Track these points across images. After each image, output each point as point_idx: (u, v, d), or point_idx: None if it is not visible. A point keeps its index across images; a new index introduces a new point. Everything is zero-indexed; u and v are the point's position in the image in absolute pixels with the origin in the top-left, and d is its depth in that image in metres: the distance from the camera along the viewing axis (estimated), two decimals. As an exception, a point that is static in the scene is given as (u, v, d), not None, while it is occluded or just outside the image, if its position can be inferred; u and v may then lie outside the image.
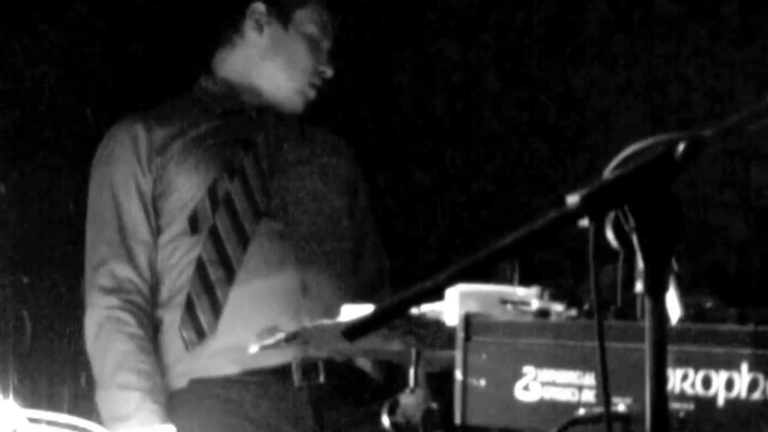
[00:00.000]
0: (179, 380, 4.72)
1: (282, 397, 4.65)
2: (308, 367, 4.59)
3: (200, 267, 4.69)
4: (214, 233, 4.69)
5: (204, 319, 4.65)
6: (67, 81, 5.43)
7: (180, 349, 4.70)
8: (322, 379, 4.61)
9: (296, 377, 4.60)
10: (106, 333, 4.66)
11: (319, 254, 4.77)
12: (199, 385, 4.69)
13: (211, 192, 4.71)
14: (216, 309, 4.67)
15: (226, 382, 4.66)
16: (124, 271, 4.71)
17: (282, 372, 4.62)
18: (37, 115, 5.37)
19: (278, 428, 4.65)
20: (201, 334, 4.64)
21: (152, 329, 4.72)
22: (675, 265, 2.62)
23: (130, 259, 4.73)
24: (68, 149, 5.36)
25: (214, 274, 4.68)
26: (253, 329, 4.47)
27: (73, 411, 4.84)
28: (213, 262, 4.69)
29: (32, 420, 4.73)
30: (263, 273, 4.69)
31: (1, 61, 5.28)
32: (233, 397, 4.66)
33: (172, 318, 4.74)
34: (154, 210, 4.75)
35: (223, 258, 4.68)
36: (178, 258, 4.75)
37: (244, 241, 4.69)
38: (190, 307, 4.67)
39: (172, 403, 4.71)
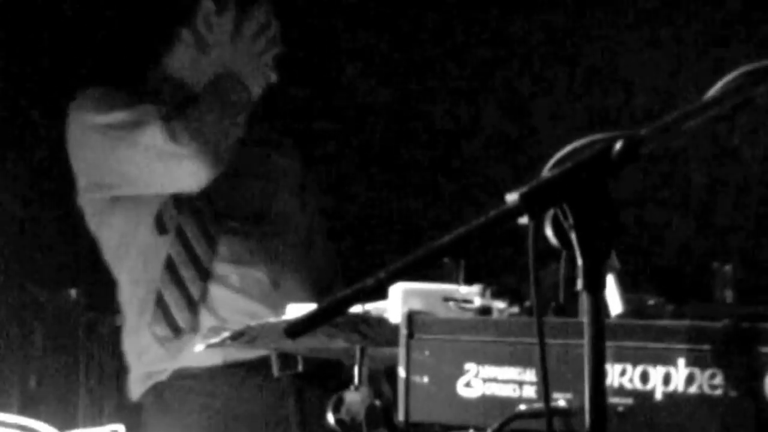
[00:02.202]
0: (159, 375, 4.75)
1: (262, 386, 4.69)
2: (287, 358, 4.61)
3: (170, 266, 4.71)
4: (180, 233, 4.72)
5: (180, 316, 4.67)
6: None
7: (154, 346, 4.72)
8: (300, 368, 4.64)
9: (275, 367, 4.63)
10: None
11: (282, 250, 4.79)
12: (180, 378, 4.72)
13: (174, 195, 4.73)
14: (192, 305, 4.69)
15: (210, 372, 4.69)
16: None
17: (262, 363, 4.65)
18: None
19: (261, 417, 4.67)
20: (177, 331, 4.66)
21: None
22: (616, 262, 2.66)
23: None
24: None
25: (186, 272, 4.70)
26: (234, 323, 4.48)
27: (23, 412, 4.89)
28: (183, 261, 4.71)
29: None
30: (234, 269, 4.72)
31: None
32: (216, 390, 4.70)
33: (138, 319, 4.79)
34: None
35: (193, 257, 4.71)
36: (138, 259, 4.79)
37: (209, 240, 4.72)
38: (160, 302, 4.69)
39: (154, 396, 4.76)
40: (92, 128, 4.74)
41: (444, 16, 6.17)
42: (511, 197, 2.32)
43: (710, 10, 5.87)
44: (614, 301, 2.74)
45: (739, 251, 5.85)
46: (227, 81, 4.74)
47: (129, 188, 4.74)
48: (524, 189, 2.32)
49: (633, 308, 2.70)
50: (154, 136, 4.61)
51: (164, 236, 4.73)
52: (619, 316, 2.68)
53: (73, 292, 5.35)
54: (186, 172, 4.62)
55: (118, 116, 4.69)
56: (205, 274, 4.70)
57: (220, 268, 4.73)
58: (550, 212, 2.33)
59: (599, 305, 2.33)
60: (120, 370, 4.90)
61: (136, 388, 4.78)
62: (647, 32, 5.99)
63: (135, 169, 4.69)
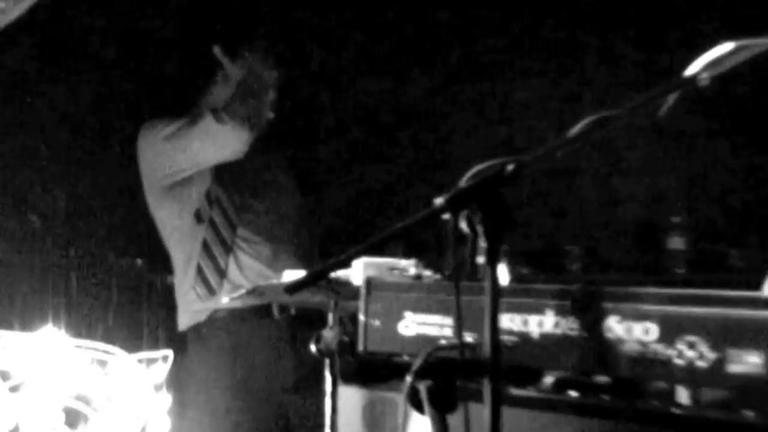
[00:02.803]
0: (199, 316, 4.71)
1: (267, 326, 4.65)
2: (283, 308, 4.60)
3: (205, 245, 4.70)
4: (212, 223, 4.70)
5: (213, 280, 4.67)
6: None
7: (196, 299, 4.71)
8: (293, 312, 4.63)
9: (275, 312, 4.61)
10: None
11: (279, 234, 4.77)
12: (213, 319, 4.69)
13: (207, 196, 4.71)
14: (221, 272, 4.68)
15: (233, 315, 4.65)
16: None
17: (266, 309, 4.63)
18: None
19: (266, 347, 4.64)
20: (211, 290, 4.65)
21: None
22: (506, 246, 2.65)
23: None
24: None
25: (216, 249, 4.70)
26: (249, 282, 4.57)
27: (105, 340, 4.87)
28: (214, 242, 4.70)
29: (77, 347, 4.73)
30: (248, 246, 4.71)
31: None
32: (237, 327, 4.66)
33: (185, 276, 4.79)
34: None
35: (221, 239, 4.70)
36: (183, 233, 4.78)
37: (232, 227, 4.70)
38: (200, 271, 4.69)
39: (195, 331, 4.73)
40: (159, 138, 4.74)
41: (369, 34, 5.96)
42: (438, 200, 2.31)
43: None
44: (503, 272, 2.74)
45: (586, 239, 5.83)
46: (252, 77, 4.74)
47: (188, 170, 4.73)
48: (447, 195, 2.32)
49: (516, 276, 2.69)
50: (207, 123, 4.65)
51: (201, 224, 4.71)
52: (509, 282, 2.67)
53: (139, 261, 5.31)
54: (230, 141, 4.66)
55: (177, 125, 4.71)
56: (228, 250, 4.68)
57: (239, 245, 4.71)
58: (465, 211, 2.32)
59: (495, 274, 2.32)
60: (169, 313, 4.85)
61: (182, 323, 4.76)
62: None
63: (192, 153, 4.70)
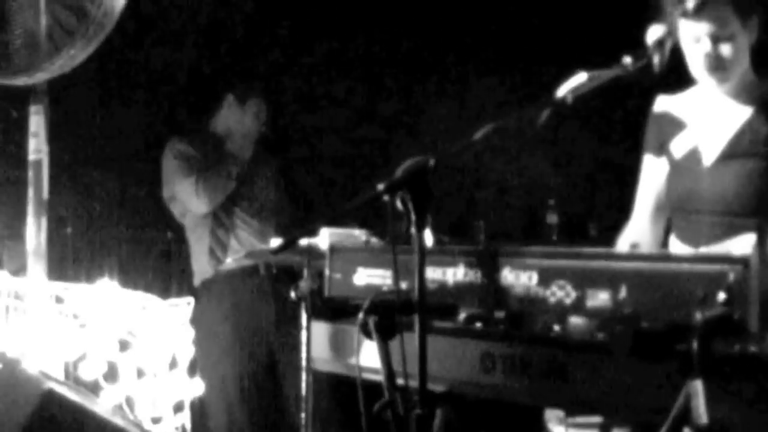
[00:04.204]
0: (207, 274, 4.62)
1: (256, 281, 4.58)
2: (268, 266, 4.55)
3: (212, 232, 4.65)
4: (215, 215, 4.65)
5: (220, 253, 4.60)
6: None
7: (206, 265, 4.63)
8: (274, 270, 4.55)
9: (261, 269, 4.55)
10: None
11: (265, 215, 4.72)
12: (217, 276, 4.59)
13: None
14: (224, 247, 4.61)
15: (233, 273, 4.55)
16: None
17: (256, 268, 4.55)
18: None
19: (256, 298, 4.59)
20: (218, 260, 4.59)
21: None
22: (429, 219, 2.62)
23: None
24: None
25: (220, 232, 4.64)
26: (246, 249, 4.46)
27: (145, 290, 4.82)
28: (219, 227, 4.65)
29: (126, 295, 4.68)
30: (244, 225, 4.65)
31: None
32: (235, 283, 4.57)
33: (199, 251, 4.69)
34: None
35: (223, 225, 4.64)
36: (196, 222, 4.68)
37: (231, 215, 4.65)
38: (211, 250, 4.63)
39: (204, 286, 4.64)
40: (171, 153, 4.65)
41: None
42: (379, 186, 2.29)
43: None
44: (429, 238, 2.72)
45: (488, 216, 5.83)
46: (226, 157, 4.63)
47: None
48: (386, 182, 2.30)
49: (437, 239, 2.67)
50: (186, 187, 4.54)
51: (207, 217, 4.63)
52: (433, 245, 2.65)
53: (169, 234, 5.26)
54: (192, 206, 4.57)
55: (188, 151, 4.62)
56: (229, 230, 4.63)
57: (238, 226, 4.65)
58: (399, 193, 2.30)
59: (422, 239, 2.30)
60: (187, 272, 4.80)
61: (196, 281, 4.69)
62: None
63: (170, 188, 4.64)
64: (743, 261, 1.84)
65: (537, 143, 5.94)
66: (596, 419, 3.32)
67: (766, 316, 1.83)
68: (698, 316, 1.84)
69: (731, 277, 1.84)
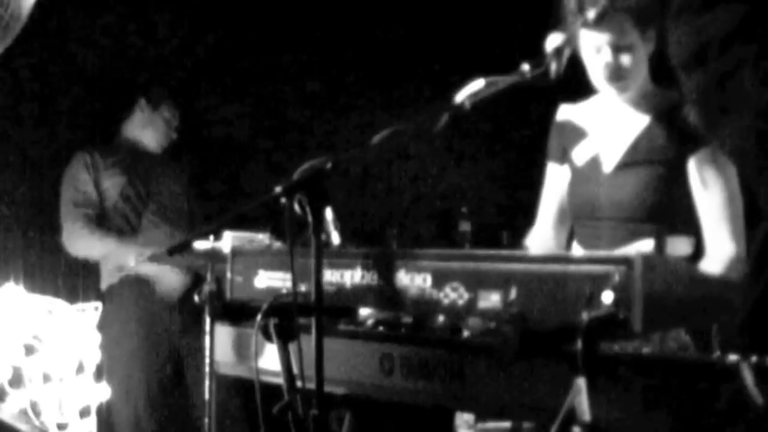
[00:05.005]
0: (113, 279, 4.60)
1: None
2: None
3: (119, 231, 4.61)
4: (125, 217, 4.62)
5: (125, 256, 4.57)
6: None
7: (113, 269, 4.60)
8: None
9: None
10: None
11: (174, 218, 4.70)
12: (122, 282, 4.57)
13: (121, 194, 4.63)
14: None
15: (138, 278, 4.54)
16: None
17: None
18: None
19: (161, 304, 4.57)
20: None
21: None
22: (331, 214, 2.63)
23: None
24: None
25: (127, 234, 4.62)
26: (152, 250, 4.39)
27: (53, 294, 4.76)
28: (125, 226, 4.61)
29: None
30: (153, 227, 4.62)
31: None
32: (140, 288, 4.56)
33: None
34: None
35: (131, 226, 4.61)
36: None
37: (139, 215, 4.63)
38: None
39: (109, 290, 4.61)
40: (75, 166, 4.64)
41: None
42: (277, 188, 2.29)
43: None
44: (336, 238, 2.73)
45: (398, 225, 5.85)
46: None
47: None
48: (284, 184, 2.30)
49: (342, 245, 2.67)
50: (66, 227, 4.59)
51: (116, 216, 4.61)
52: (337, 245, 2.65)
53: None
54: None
55: (81, 199, 4.63)
56: (137, 232, 4.61)
57: (147, 227, 4.63)
58: (296, 196, 2.30)
59: (319, 242, 2.30)
60: (98, 276, 4.75)
61: (103, 285, 4.65)
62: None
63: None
64: (627, 261, 1.88)
65: (450, 151, 6.00)
66: (505, 424, 3.36)
67: (650, 316, 1.87)
68: (584, 316, 1.86)
69: (616, 277, 1.88)
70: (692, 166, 3.00)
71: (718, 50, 1.53)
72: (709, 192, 2.98)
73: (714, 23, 1.53)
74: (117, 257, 4.52)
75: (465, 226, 5.91)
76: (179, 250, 2.72)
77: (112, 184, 4.63)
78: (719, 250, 2.96)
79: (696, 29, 1.55)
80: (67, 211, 4.61)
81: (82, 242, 4.55)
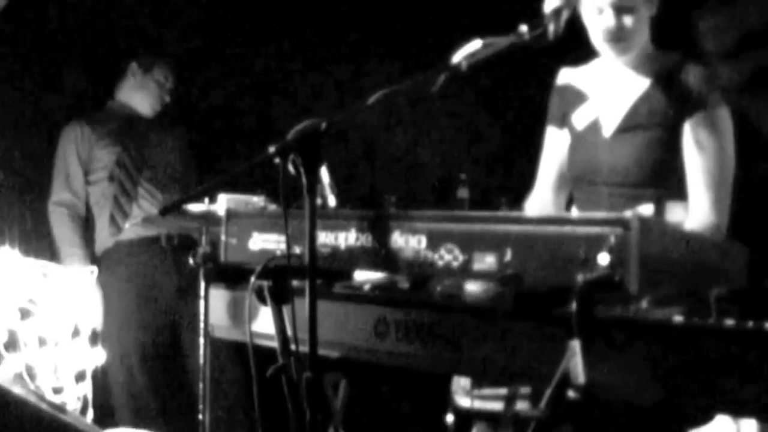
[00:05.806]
0: (108, 243, 4.62)
1: (157, 251, 4.58)
2: (169, 237, 4.53)
3: (115, 198, 4.60)
4: (120, 183, 4.61)
5: (121, 222, 4.56)
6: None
7: (108, 234, 4.60)
8: (176, 240, 4.54)
9: (163, 241, 4.54)
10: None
11: (170, 185, 4.69)
12: (118, 246, 4.61)
13: (117, 162, 4.63)
14: (126, 215, 4.57)
15: (132, 243, 4.58)
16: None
17: (156, 238, 4.53)
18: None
19: (156, 267, 4.58)
20: (119, 228, 4.56)
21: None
22: (328, 178, 2.61)
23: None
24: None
25: (123, 199, 4.60)
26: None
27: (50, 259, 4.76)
28: (121, 194, 4.60)
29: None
30: (148, 195, 4.62)
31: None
32: (135, 252, 4.59)
33: (102, 221, 4.64)
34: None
35: (128, 194, 4.60)
36: (100, 193, 4.64)
37: (135, 184, 4.62)
38: (112, 217, 4.59)
39: (105, 254, 4.65)
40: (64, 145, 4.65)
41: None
42: (271, 149, 2.27)
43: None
44: (332, 200, 2.72)
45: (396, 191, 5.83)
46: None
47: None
48: (278, 145, 2.28)
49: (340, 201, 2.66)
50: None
51: (112, 183, 4.62)
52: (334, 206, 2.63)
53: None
54: None
55: (68, 200, 4.70)
56: (132, 200, 4.61)
57: (143, 195, 4.62)
58: (290, 156, 2.28)
59: (314, 203, 2.28)
60: (92, 240, 4.74)
61: (98, 250, 4.67)
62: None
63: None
64: (624, 223, 1.86)
65: (447, 119, 5.97)
66: (502, 391, 3.34)
67: (646, 278, 1.85)
68: (579, 277, 1.85)
69: (612, 239, 1.86)
70: (687, 128, 2.97)
71: (759, 41, 1.51)
72: (700, 155, 2.95)
73: (754, 14, 1.50)
74: (67, 257, 4.59)
75: (463, 193, 5.89)
76: (171, 210, 2.69)
77: (107, 153, 4.62)
78: (699, 216, 2.93)
79: (734, 18, 1.52)
80: (57, 187, 4.68)
81: (56, 225, 4.64)
